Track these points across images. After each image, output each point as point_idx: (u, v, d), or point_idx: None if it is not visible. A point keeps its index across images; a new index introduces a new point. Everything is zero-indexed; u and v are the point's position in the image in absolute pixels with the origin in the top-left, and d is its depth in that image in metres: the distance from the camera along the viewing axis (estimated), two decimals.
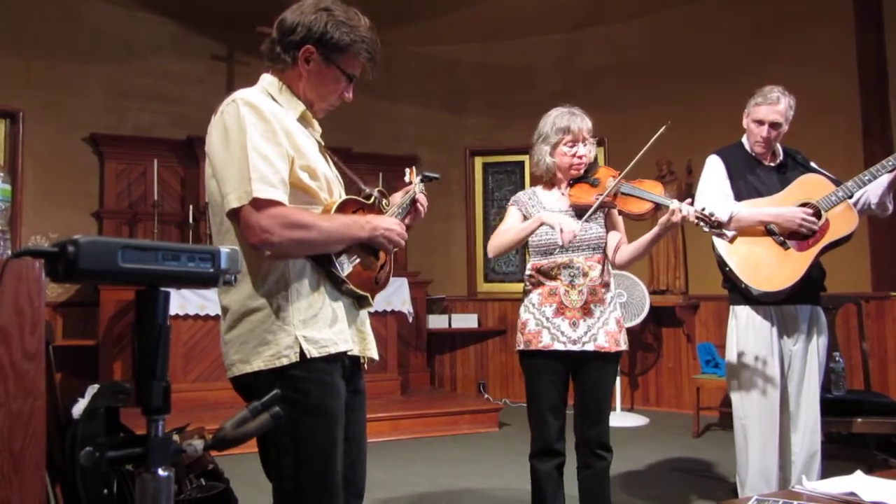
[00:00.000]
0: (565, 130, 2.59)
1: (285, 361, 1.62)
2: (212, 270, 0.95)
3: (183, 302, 5.32)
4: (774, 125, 2.82)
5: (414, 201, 2.01)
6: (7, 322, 1.68)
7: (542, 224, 2.52)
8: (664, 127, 2.47)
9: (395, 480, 4.02)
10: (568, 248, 2.54)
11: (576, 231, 2.40)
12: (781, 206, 2.77)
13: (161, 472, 0.92)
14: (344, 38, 1.72)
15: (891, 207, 2.84)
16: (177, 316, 5.28)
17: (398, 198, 2.02)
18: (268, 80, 1.78)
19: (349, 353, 1.74)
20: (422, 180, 2.13)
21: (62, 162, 6.06)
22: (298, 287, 1.66)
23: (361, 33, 1.74)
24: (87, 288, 5.74)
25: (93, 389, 4.34)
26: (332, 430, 1.66)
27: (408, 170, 2.21)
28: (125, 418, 1.00)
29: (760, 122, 2.83)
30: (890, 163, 2.69)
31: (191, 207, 6.22)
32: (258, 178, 1.56)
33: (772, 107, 2.81)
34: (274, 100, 1.73)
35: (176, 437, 0.95)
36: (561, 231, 2.39)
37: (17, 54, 5.88)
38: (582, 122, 2.61)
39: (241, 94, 1.66)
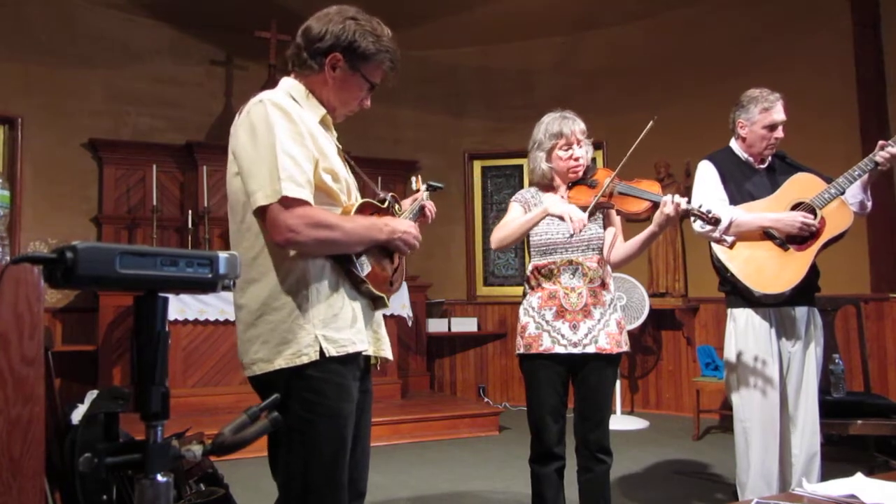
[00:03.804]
0: (558, 135, 2.59)
1: (305, 360, 1.64)
2: (210, 276, 0.95)
3: (182, 307, 5.31)
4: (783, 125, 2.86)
5: (422, 207, 2.10)
6: (6, 328, 1.68)
7: (546, 214, 2.47)
8: (651, 122, 2.49)
9: (395, 484, 4.01)
10: (568, 249, 2.55)
11: (584, 220, 2.38)
12: (778, 210, 2.79)
13: (160, 477, 0.92)
14: (370, 46, 1.77)
15: (869, 205, 2.87)
16: (176, 321, 5.26)
17: (407, 204, 2.11)
18: (290, 84, 1.83)
19: (364, 354, 1.78)
20: (427, 189, 2.20)
21: (61, 167, 6.06)
22: (318, 287, 1.69)
23: (386, 43, 1.80)
24: (86, 293, 5.74)
25: (92, 395, 4.33)
26: (343, 432, 1.70)
27: (413, 178, 2.26)
28: (124, 424, 1.00)
29: (773, 126, 2.84)
30: (876, 155, 2.71)
31: (189, 212, 6.21)
32: (287, 177, 1.60)
33: (780, 107, 2.85)
34: (297, 103, 1.78)
35: (175, 443, 0.95)
36: (570, 220, 2.35)
37: (16, 59, 5.89)
38: (574, 125, 2.60)
39: (268, 95, 1.71)
